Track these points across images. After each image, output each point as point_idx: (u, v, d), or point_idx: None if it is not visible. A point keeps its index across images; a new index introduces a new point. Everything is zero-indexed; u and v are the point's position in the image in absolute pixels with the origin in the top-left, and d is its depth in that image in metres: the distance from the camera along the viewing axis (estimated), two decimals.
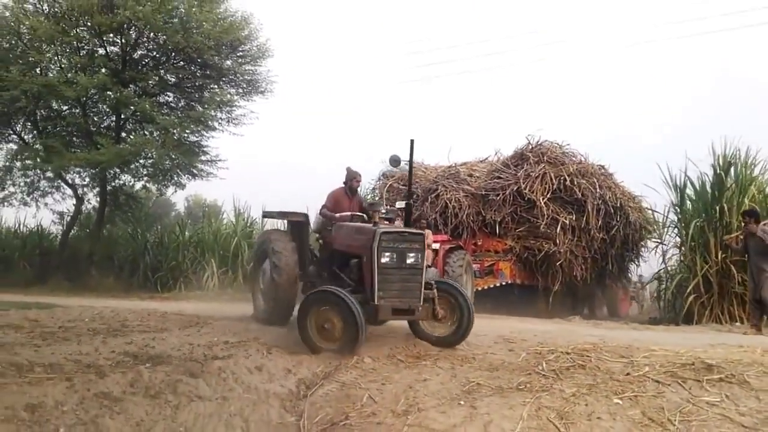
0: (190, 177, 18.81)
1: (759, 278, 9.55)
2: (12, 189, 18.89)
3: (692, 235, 11.76)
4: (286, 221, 9.34)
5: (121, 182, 20.05)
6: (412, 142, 7.63)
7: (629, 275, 15.60)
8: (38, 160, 17.19)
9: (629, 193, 13.51)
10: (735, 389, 5.24)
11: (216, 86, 18.25)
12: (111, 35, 16.88)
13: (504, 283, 12.26)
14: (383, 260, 6.81)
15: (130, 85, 16.99)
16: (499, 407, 5.01)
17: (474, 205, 12.91)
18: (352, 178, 8.89)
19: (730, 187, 11.67)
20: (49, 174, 18.39)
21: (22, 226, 21.67)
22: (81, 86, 15.35)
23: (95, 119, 18.69)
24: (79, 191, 19.52)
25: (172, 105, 18.74)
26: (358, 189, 9.05)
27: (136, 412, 4.67)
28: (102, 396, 4.73)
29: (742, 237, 10.13)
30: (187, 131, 17.61)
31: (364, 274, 7.01)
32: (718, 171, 11.82)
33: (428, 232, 10.09)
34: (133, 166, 18.04)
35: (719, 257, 11.32)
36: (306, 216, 8.76)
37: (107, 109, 18.33)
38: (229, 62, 17.87)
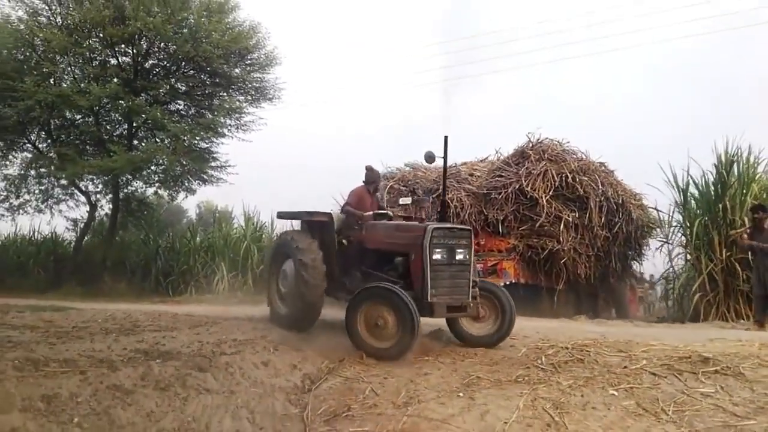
0: (200, 183, 19.02)
1: (766, 275, 9.58)
2: (27, 197, 19.09)
3: (696, 234, 11.82)
4: (300, 222, 8.99)
5: (133, 189, 20.27)
6: (446, 138, 7.65)
7: (636, 275, 15.64)
8: (52, 168, 17.40)
9: (630, 191, 13.43)
10: (730, 381, 5.37)
11: (225, 94, 18.45)
12: (122, 46, 17.11)
13: (509, 283, 12.26)
14: (435, 257, 6.76)
15: (142, 94, 17.21)
16: (497, 398, 5.17)
17: (476, 204, 12.88)
18: (376, 178, 8.89)
19: (732, 185, 11.73)
20: (63, 181, 18.63)
21: (36, 233, 21.91)
22: (94, 96, 15.55)
23: (108, 127, 18.89)
24: (93, 198, 19.70)
25: (183, 113, 18.91)
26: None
27: (146, 404, 4.85)
28: (114, 388, 4.91)
29: (748, 232, 10.17)
30: (197, 138, 17.76)
31: (413, 272, 6.93)
32: (720, 169, 11.88)
33: None
34: (144, 172, 18.26)
35: (724, 255, 11.36)
36: (330, 215, 8.37)
37: (119, 118, 18.56)
38: (237, 70, 18.03)
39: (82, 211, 20.61)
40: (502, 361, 6.34)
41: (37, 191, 19.14)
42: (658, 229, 13.48)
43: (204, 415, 4.97)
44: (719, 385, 5.27)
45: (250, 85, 18.48)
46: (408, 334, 6.26)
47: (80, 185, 19.07)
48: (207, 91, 18.48)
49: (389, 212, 8.65)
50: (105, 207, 20.27)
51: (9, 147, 18.55)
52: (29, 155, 18.79)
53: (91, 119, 18.10)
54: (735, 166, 11.90)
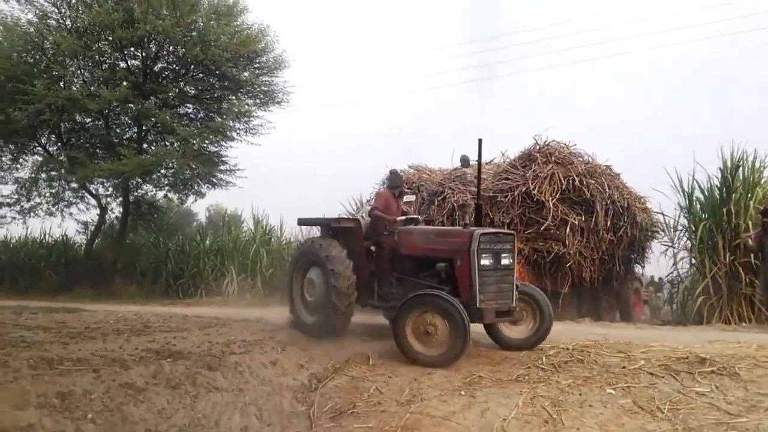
0: (209, 186, 19.19)
1: None
2: (38, 200, 19.26)
3: (701, 238, 11.90)
4: (319, 228, 8.88)
5: (143, 192, 20.46)
6: (480, 141, 7.66)
7: (641, 278, 15.65)
8: (63, 171, 17.58)
9: (635, 194, 13.33)
10: (725, 380, 5.51)
11: (234, 97, 18.57)
12: (132, 49, 17.29)
13: None
14: (483, 262, 6.69)
15: (151, 98, 17.39)
16: (497, 396, 5.32)
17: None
18: (401, 182, 8.90)
19: (737, 190, 11.80)
20: (74, 185, 18.76)
21: (47, 236, 22.04)
22: (103, 99, 15.75)
23: (118, 131, 19.08)
24: (103, 201, 19.89)
25: (192, 116, 19.08)
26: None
27: (158, 401, 5.03)
28: (126, 386, 5.09)
29: (758, 235, 10.24)
30: (206, 141, 17.93)
31: (460, 278, 6.82)
32: (725, 173, 11.95)
33: None
34: (154, 176, 18.43)
35: (728, 259, 11.43)
36: (358, 222, 8.24)
37: (129, 121, 18.76)
38: (246, 74, 18.18)
39: (92, 214, 20.79)
40: (504, 361, 6.48)
41: (47, 194, 19.31)
42: (661, 233, 13.48)
43: (214, 412, 5.14)
44: (714, 385, 5.40)
45: (258, 89, 18.59)
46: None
47: (91, 188, 19.23)
48: (216, 95, 18.61)
49: (418, 217, 8.64)
50: (115, 210, 20.49)
51: (20, 150, 18.73)
52: (40, 158, 18.95)
53: (101, 122, 18.27)
54: (740, 170, 11.95)
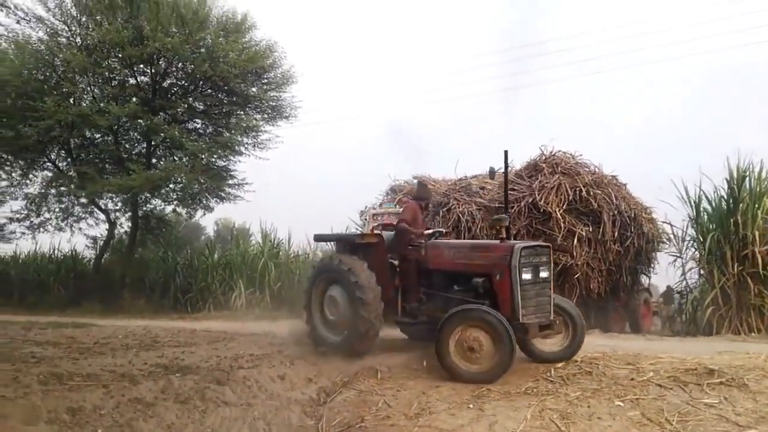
0: (218, 200, 19.29)
1: None
2: (47, 215, 19.39)
3: (709, 248, 11.88)
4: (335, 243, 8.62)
5: (152, 206, 20.59)
6: (506, 153, 7.69)
7: (650, 289, 15.58)
8: (72, 186, 17.67)
9: (641, 204, 13.24)
10: (734, 392, 5.49)
11: (242, 112, 18.73)
12: (141, 66, 17.43)
13: None
14: (525, 276, 6.58)
15: (160, 113, 17.51)
16: (505, 409, 5.31)
17: (487, 218, 12.46)
18: (429, 194, 8.79)
19: (744, 200, 11.78)
20: (83, 200, 18.90)
21: (56, 250, 22.26)
22: (113, 115, 15.85)
23: (127, 146, 19.23)
24: (112, 216, 20.01)
25: (201, 131, 19.18)
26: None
27: (167, 416, 5.06)
28: (136, 401, 5.13)
29: None
30: (214, 156, 18.04)
31: (499, 292, 6.68)
32: (732, 184, 11.94)
33: None
34: (163, 190, 18.59)
35: (736, 269, 11.40)
36: (381, 237, 7.99)
37: (138, 137, 18.94)
38: (254, 89, 18.29)
39: (101, 229, 20.96)
40: (512, 374, 6.45)
41: (57, 209, 19.45)
42: (667, 243, 13.44)
43: (222, 427, 5.17)
44: (723, 396, 5.38)
45: (266, 104, 18.71)
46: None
47: (100, 203, 19.38)
48: (224, 110, 18.75)
49: (443, 230, 8.57)
50: (124, 225, 20.63)
51: (30, 166, 18.87)
52: (49, 174, 19.12)
53: (110, 138, 18.45)
54: (747, 180, 11.94)
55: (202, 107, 18.50)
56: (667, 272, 13.61)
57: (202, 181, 17.59)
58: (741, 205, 11.73)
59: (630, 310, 14.05)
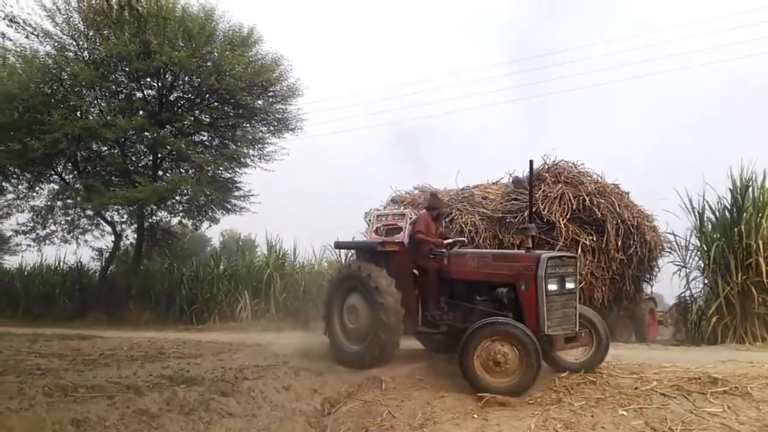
0: (223, 212, 19.40)
1: None
2: (53, 227, 19.56)
3: (713, 258, 11.85)
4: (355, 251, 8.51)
5: (158, 218, 20.65)
6: (531, 162, 7.63)
7: (655, 298, 15.52)
8: (79, 199, 17.81)
9: (644, 212, 13.19)
10: (737, 401, 5.49)
11: (248, 125, 18.81)
12: (148, 79, 17.63)
13: None
14: (551, 287, 6.44)
15: (167, 126, 17.61)
16: (510, 419, 5.33)
17: (490, 228, 12.45)
18: (440, 205, 8.78)
19: (747, 209, 11.76)
20: (89, 212, 19.03)
21: (62, 263, 22.27)
22: (120, 128, 16.00)
23: (133, 159, 19.34)
24: (118, 228, 20.17)
25: (207, 144, 19.28)
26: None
27: (172, 428, 5.09)
28: (141, 412, 5.16)
29: None
30: (220, 168, 18.18)
31: (524, 303, 6.56)
32: (735, 194, 11.93)
33: None
34: (169, 202, 18.70)
35: (740, 278, 11.37)
36: (403, 245, 7.96)
37: (145, 149, 19.04)
38: (260, 102, 18.42)
39: (107, 241, 21.06)
40: None
41: (63, 222, 19.62)
42: (670, 252, 13.39)
43: None
44: (727, 405, 5.38)
45: (272, 116, 18.82)
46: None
47: (106, 215, 19.51)
48: (230, 123, 18.86)
49: (464, 239, 8.54)
50: (130, 237, 20.84)
51: (36, 179, 19.03)
52: (56, 187, 19.28)
53: (116, 151, 18.58)
54: (750, 190, 11.93)
55: (208, 120, 18.57)
56: (671, 281, 13.56)
57: (208, 192, 17.63)
58: (745, 214, 11.69)
59: (636, 319, 14.02)
